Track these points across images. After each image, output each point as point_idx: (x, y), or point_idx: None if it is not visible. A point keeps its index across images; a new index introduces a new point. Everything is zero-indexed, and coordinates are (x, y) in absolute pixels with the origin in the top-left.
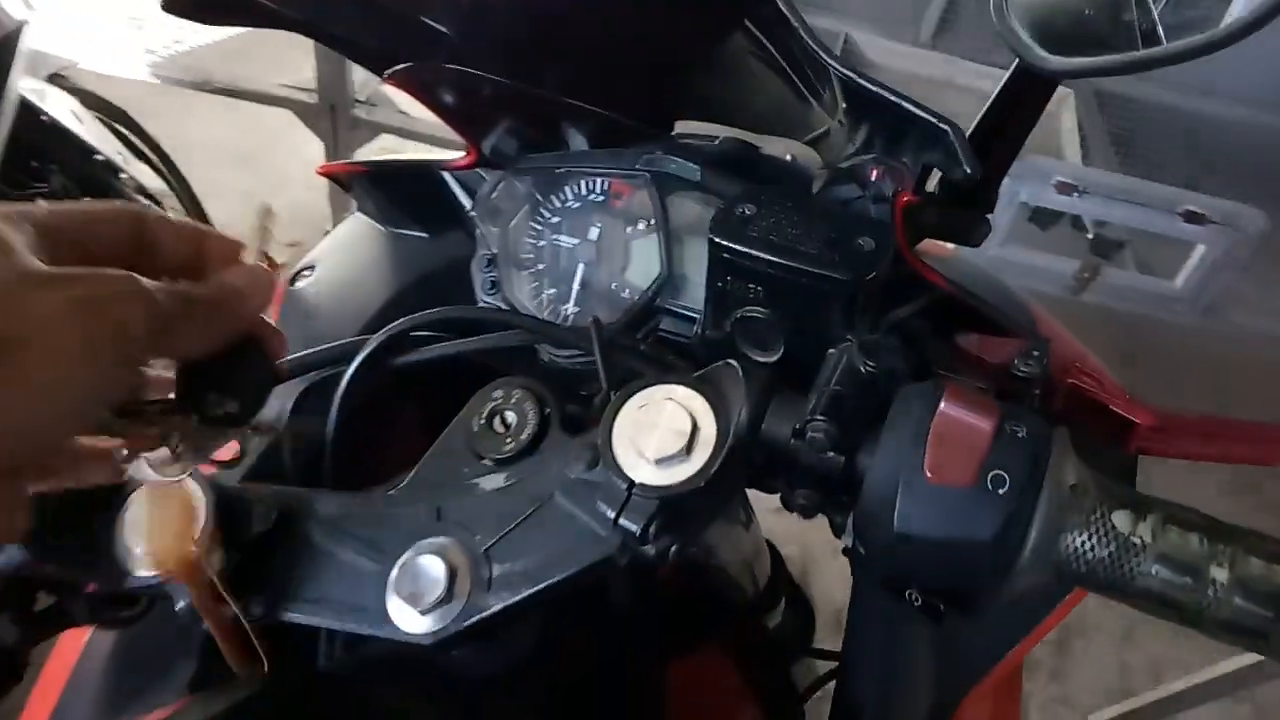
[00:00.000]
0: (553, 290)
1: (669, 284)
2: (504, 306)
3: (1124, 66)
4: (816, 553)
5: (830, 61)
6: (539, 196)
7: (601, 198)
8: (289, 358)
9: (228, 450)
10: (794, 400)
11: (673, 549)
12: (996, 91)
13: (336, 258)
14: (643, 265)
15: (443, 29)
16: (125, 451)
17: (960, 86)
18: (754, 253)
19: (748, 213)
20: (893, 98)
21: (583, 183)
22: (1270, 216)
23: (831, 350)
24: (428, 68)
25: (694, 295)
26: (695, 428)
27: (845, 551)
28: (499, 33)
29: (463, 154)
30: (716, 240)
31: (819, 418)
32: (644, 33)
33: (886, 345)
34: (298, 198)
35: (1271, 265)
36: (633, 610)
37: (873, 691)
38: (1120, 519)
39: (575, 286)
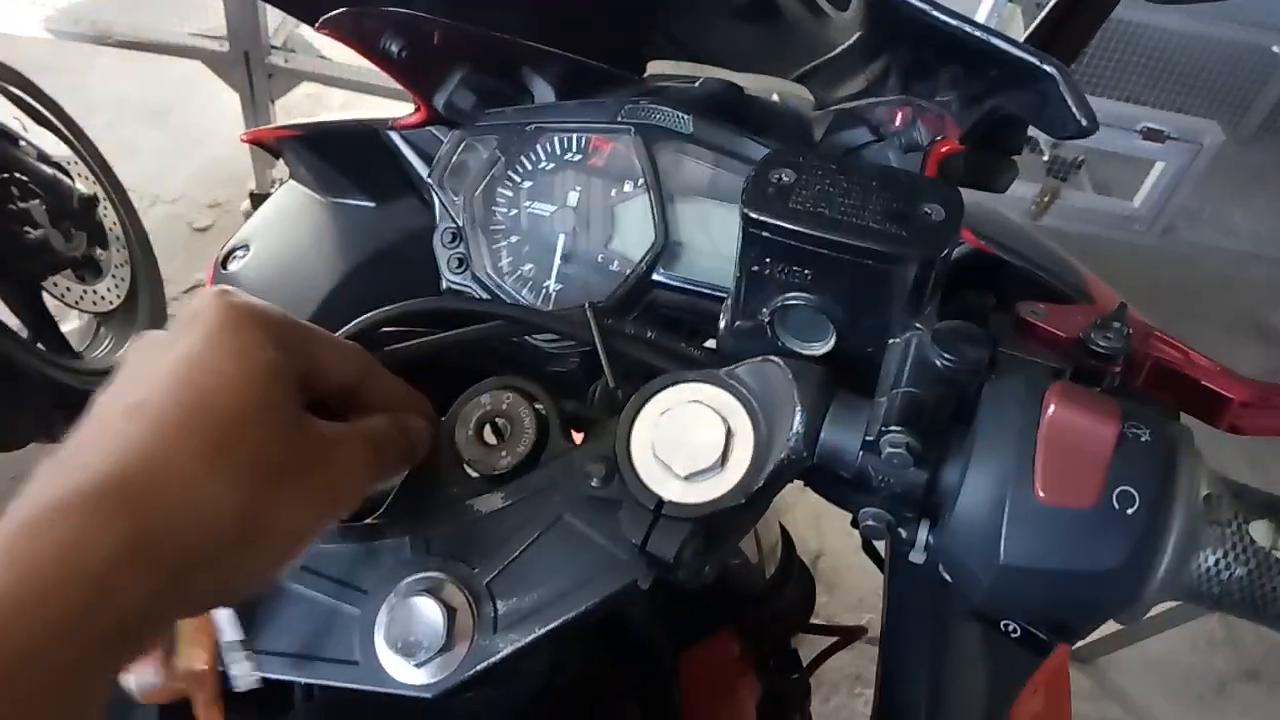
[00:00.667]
0: (530, 265)
1: (664, 253)
2: (474, 287)
3: None
4: (790, 499)
5: None
6: (506, 158)
7: (579, 156)
8: None
9: None
10: (856, 404)
11: (706, 570)
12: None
13: (272, 235)
14: (631, 232)
15: None
16: None
17: None
18: (802, 230)
19: (784, 180)
20: (980, 33)
21: (556, 140)
22: (1223, 129)
23: (894, 340)
24: (367, 12)
25: (693, 264)
26: (729, 433)
27: (867, 552)
28: None
29: (411, 111)
30: (753, 216)
31: (895, 429)
32: None
33: (964, 332)
34: (216, 154)
35: (1225, 182)
36: (651, 621)
37: (923, 696)
38: (1259, 531)
39: (556, 260)
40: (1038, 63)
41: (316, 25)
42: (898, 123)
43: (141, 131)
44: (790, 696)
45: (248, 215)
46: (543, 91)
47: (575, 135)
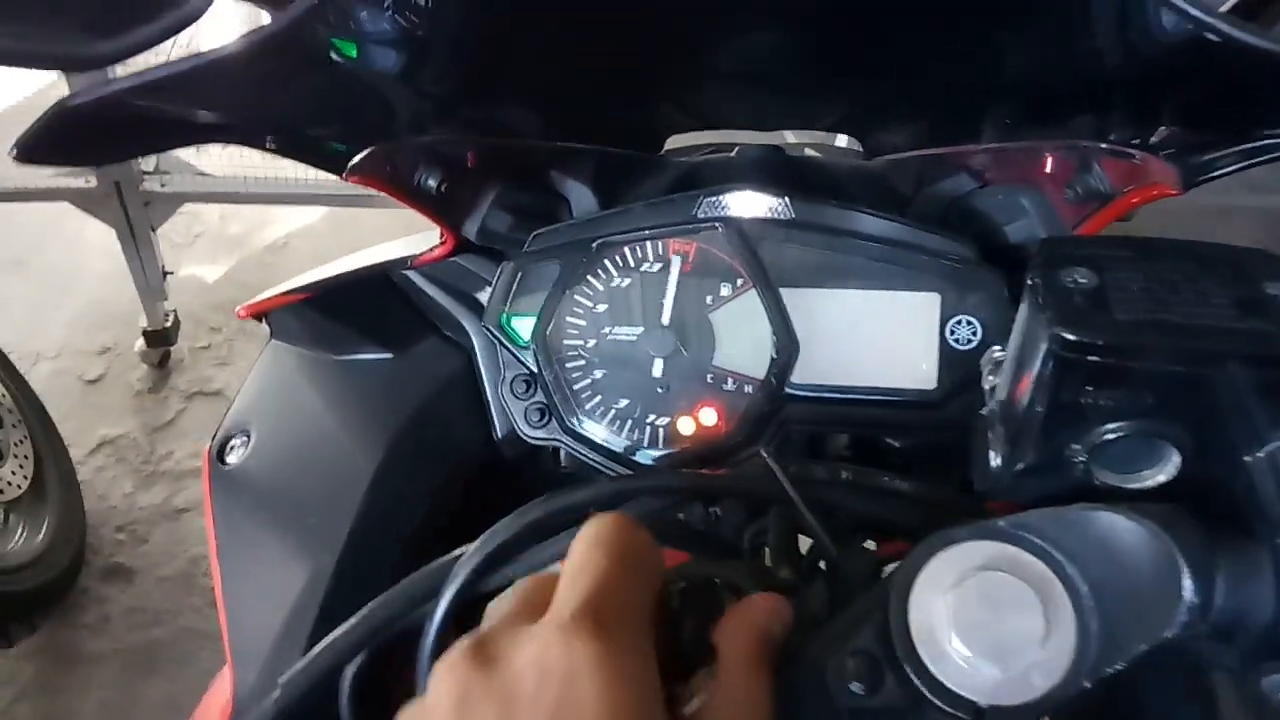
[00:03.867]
0: (625, 400)
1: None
2: (565, 441)
3: None
4: None
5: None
6: (572, 283)
7: (658, 265)
8: (325, 641)
9: None
10: (1248, 550)
11: None
12: None
13: (276, 413)
14: (737, 341)
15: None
16: None
17: None
18: (1153, 346)
19: (1087, 283)
20: None
21: (627, 251)
22: None
23: (1252, 456)
24: (398, 146)
25: (820, 367)
26: (1043, 606)
27: None
28: (461, 77)
29: (436, 244)
30: (1074, 339)
31: None
32: (629, 49)
33: None
34: (92, 295)
35: None
36: None
37: None
38: None
39: (656, 389)
40: None
41: (345, 174)
42: (1048, 169)
43: (5, 285)
44: None
45: (143, 356)
46: (579, 195)
47: (649, 242)
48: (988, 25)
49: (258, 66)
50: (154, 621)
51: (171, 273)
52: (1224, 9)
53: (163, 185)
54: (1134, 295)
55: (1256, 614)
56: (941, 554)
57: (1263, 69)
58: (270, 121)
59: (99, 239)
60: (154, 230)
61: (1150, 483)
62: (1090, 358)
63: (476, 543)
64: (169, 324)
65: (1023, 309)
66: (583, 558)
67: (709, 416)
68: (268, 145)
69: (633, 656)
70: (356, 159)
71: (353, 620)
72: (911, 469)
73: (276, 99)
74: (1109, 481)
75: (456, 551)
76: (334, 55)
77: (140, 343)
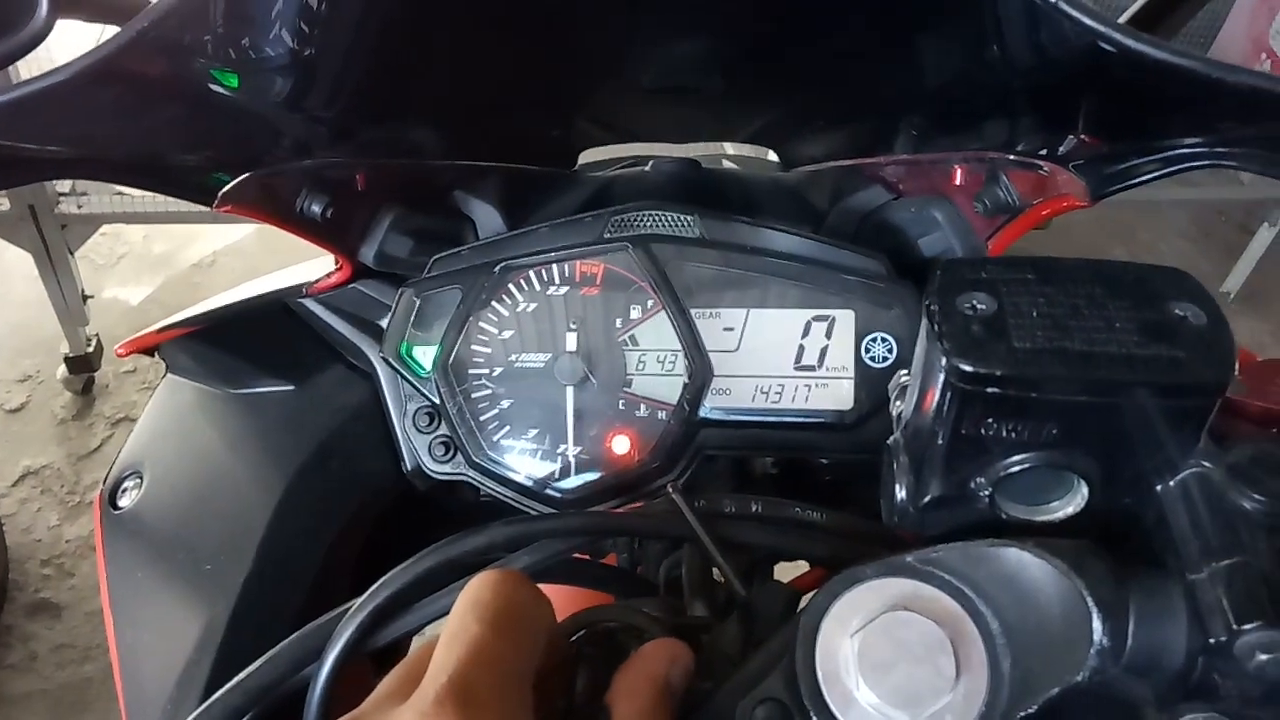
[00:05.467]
0: (535, 430)
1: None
2: (472, 476)
3: None
4: None
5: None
6: (475, 308)
7: (565, 288)
8: (196, 712)
9: None
10: (1158, 586)
11: None
12: None
13: (171, 453)
14: (651, 365)
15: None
16: None
17: None
18: (1054, 377)
19: (984, 309)
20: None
21: (532, 274)
22: None
23: (1165, 484)
24: (278, 172)
25: (734, 390)
26: (954, 647)
27: None
28: (355, 98)
29: (328, 271)
30: (971, 370)
31: (1255, 627)
32: (540, 62)
33: (1266, 460)
34: (10, 321)
35: None
36: None
37: None
38: None
39: (568, 420)
40: None
41: (216, 205)
42: (958, 180)
43: None
44: None
45: (66, 382)
46: (486, 216)
47: (555, 264)
48: (906, 28)
49: (93, 95)
50: (84, 658)
51: (92, 296)
52: (1123, 19)
53: (80, 207)
54: (1034, 322)
55: (1170, 655)
56: (847, 594)
57: (1163, 78)
58: (140, 154)
59: (18, 264)
60: (72, 253)
61: (1059, 515)
62: (988, 389)
63: (364, 596)
64: (91, 349)
65: (921, 336)
66: (456, 625)
67: (622, 445)
68: (136, 180)
69: None
70: (228, 187)
71: (229, 686)
72: (839, 489)
73: (138, 130)
74: (1016, 514)
75: (346, 605)
76: (214, 86)
77: (63, 370)
